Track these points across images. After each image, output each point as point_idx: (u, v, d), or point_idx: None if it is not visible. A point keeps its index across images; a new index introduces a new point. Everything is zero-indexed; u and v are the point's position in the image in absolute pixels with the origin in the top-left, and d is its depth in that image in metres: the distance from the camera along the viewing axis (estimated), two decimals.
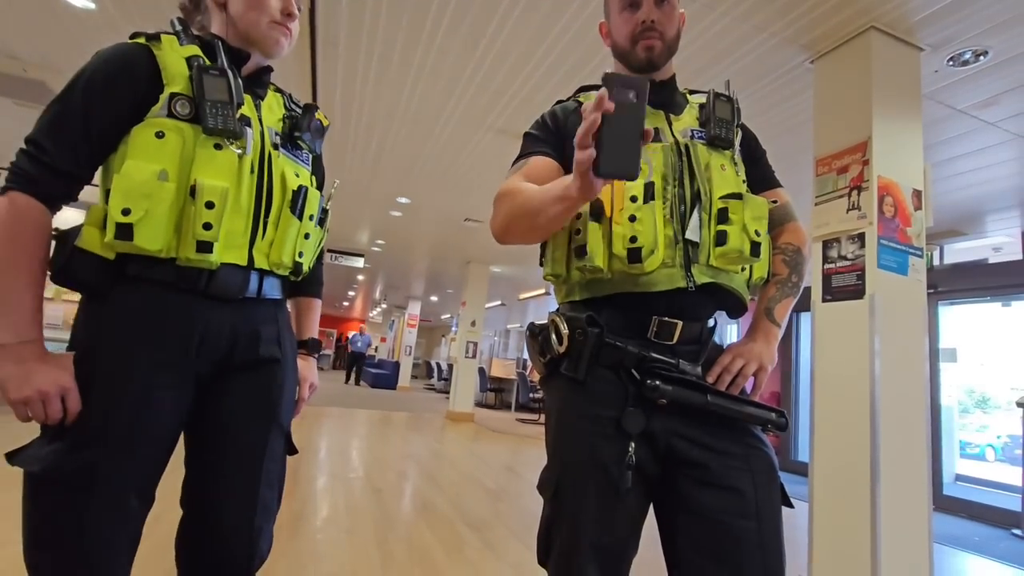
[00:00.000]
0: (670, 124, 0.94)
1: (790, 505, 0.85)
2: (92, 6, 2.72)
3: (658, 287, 0.84)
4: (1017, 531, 3.93)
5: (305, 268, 1.03)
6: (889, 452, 2.02)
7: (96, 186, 0.87)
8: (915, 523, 2.05)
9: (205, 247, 0.82)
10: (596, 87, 0.99)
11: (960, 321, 5.37)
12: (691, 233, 0.86)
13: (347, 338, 14.87)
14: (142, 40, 0.87)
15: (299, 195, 0.95)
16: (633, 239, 0.83)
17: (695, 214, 0.87)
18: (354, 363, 14.06)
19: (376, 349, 20.24)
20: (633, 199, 0.85)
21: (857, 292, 2.14)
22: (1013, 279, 4.68)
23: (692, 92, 1.03)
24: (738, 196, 0.86)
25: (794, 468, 5.98)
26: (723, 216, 0.85)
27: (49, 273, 0.82)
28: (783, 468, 6.13)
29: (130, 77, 0.83)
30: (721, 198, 0.87)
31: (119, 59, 0.84)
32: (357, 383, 13.67)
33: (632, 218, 0.83)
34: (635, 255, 0.83)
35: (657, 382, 0.80)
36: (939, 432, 4.89)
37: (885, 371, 2.06)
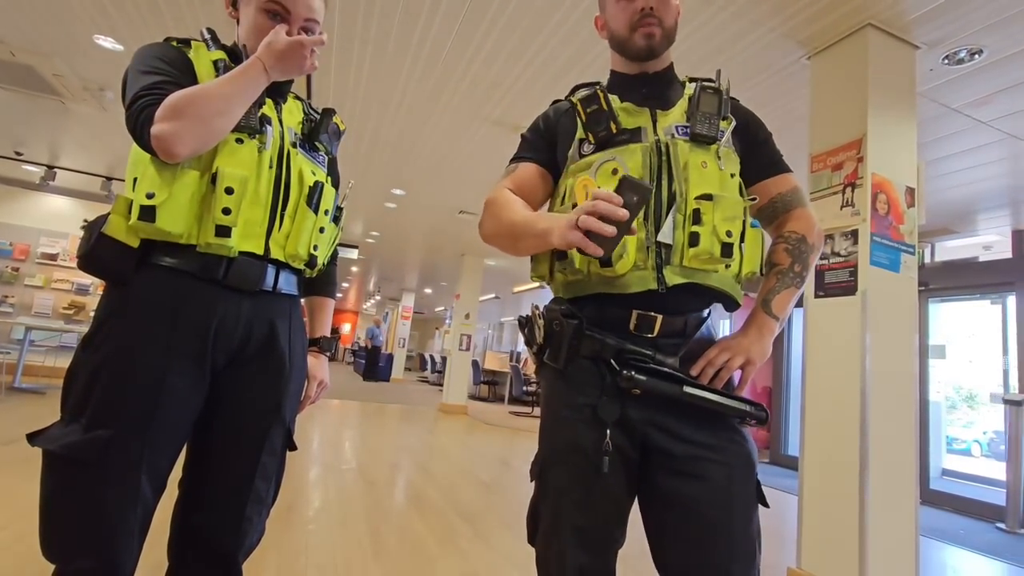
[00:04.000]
0: (655, 122, 0.94)
1: (765, 504, 0.86)
2: None
3: (631, 289, 0.86)
4: (1001, 525, 4.00)
5: (320, 262, 1.06)
6: (878, 446, 2.05)
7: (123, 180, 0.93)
8: (902, 516, 2.08)
9: (224, 231, 0.87)
10: (591, 85, 0.99)
11: (950, 318, 5.43)
12: (664, 236, 0.86)
13: (365, 333, 14.45)
14: (175, 44, 0.95)
15: (315, 190, 1.00)
16: None
17: (670, 216, 0.87)
18: (373, 358, 13.51)
19: None
20: None
21: (849, 288, 2.16)
22: (1003, 277, 4.73)
23: (692, 80, 1.01)
24: (709, 197, 0.86)
25: (784, 462, 6.04)
26: (696, 217, 0.86)
27: (76, 260, 0.87)
28: (773, 461, 6.20)
29: (172, 57, 0.92)
30: (695, 199, 0.87)
31: (160, 46, 0.93)
32: (373, 379, 13.36)
33: None
34: (605, 260, 0.84)
35: (632, 372, 0.82)
36: (927, 427, 4.95)
37: (875, 367, 2.08)
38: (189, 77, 0.91)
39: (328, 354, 1.22)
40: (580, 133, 0.95)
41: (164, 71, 0.88)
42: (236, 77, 0.87)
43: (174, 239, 0.86)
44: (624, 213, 0.70)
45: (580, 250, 0.74)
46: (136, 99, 0.85)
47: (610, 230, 0.70)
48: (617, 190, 0.72)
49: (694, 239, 0.85)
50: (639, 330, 0.87)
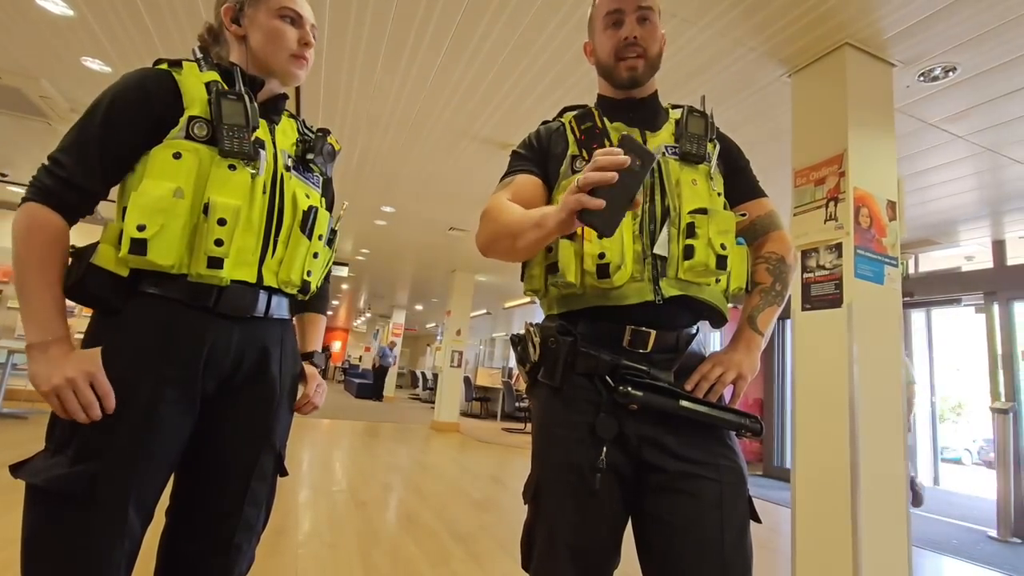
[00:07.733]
0: (644, 142, 0.97)
1: (757, 520, 0.86)
2: (70, 12, 2.68)
3: (628, 300, 0.87)
4: (993, 533, 4.01)
5: (313, 287, 1.05)
6: (868, 456, 2.05)
7: (113, 201, 0.90)
8: (894, 526, 2.08)
9: (216, 263, 0.86)
10: (580, 107, 1.02)
11: (936, 328, 5.50)
12: (659, 248, 0.89)
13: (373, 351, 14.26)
14: (164, 66, 0.91)
15: (309, 215, 0.99)
16: (601, 255, 0.86)
17: (664, 229, 0.89)
18: (381, 378, 13.45)
19: (360, 359, 20.00)
20: None
21: (835, 301, 2.19)
22: (986, 287, 4.81)
23: (675, 107, 1.05)
24: (703, 211, 0.89)
25: (778, 474, 6.04)
26: (691, 230, 0.88)
27: (65, 289, 0.84)
28: (767, 474, 6.19)
29: (149, 104, 0.87)
30: (689, 213, 0.89)
31: (140, 86, 0.87)
32: (379, 398, 13.26)
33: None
34: (603, 270, 0.85)
35: (628, 388, 0.82)
36: (916, 436, 4.98)
37: (863, 377, 2.10)
38: (155, 115, 0.86)
39: (319, 368, 1.21)
40: (573, 149, 0.97)
41: (84, 159, 0.83)
42: None
43: (165, 270, 0.84)
44: (624, 160, 0.67)
45: (581, 218, 0.69)
46: (44, 166, 0.83)
47: (611, 176, 0.67)
48: (624, 151, 0.68)
49: (688, 252, 0.87)
50: (633, 346, 0.88)
